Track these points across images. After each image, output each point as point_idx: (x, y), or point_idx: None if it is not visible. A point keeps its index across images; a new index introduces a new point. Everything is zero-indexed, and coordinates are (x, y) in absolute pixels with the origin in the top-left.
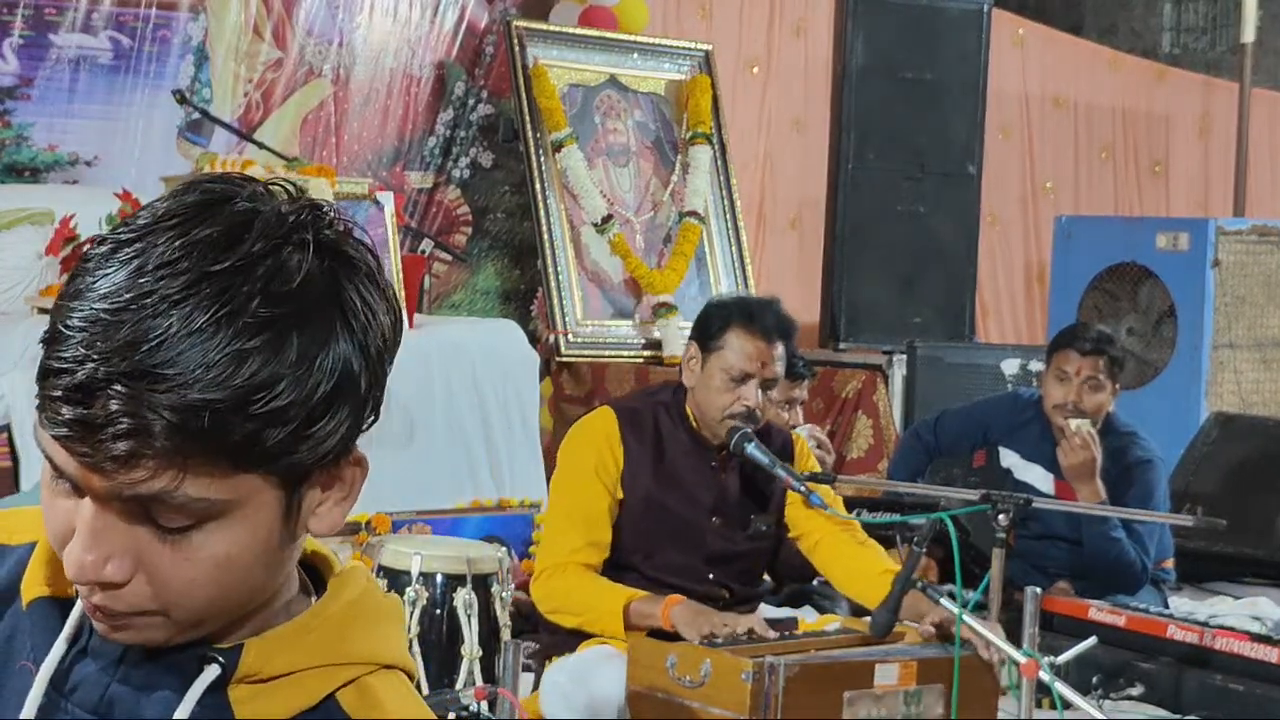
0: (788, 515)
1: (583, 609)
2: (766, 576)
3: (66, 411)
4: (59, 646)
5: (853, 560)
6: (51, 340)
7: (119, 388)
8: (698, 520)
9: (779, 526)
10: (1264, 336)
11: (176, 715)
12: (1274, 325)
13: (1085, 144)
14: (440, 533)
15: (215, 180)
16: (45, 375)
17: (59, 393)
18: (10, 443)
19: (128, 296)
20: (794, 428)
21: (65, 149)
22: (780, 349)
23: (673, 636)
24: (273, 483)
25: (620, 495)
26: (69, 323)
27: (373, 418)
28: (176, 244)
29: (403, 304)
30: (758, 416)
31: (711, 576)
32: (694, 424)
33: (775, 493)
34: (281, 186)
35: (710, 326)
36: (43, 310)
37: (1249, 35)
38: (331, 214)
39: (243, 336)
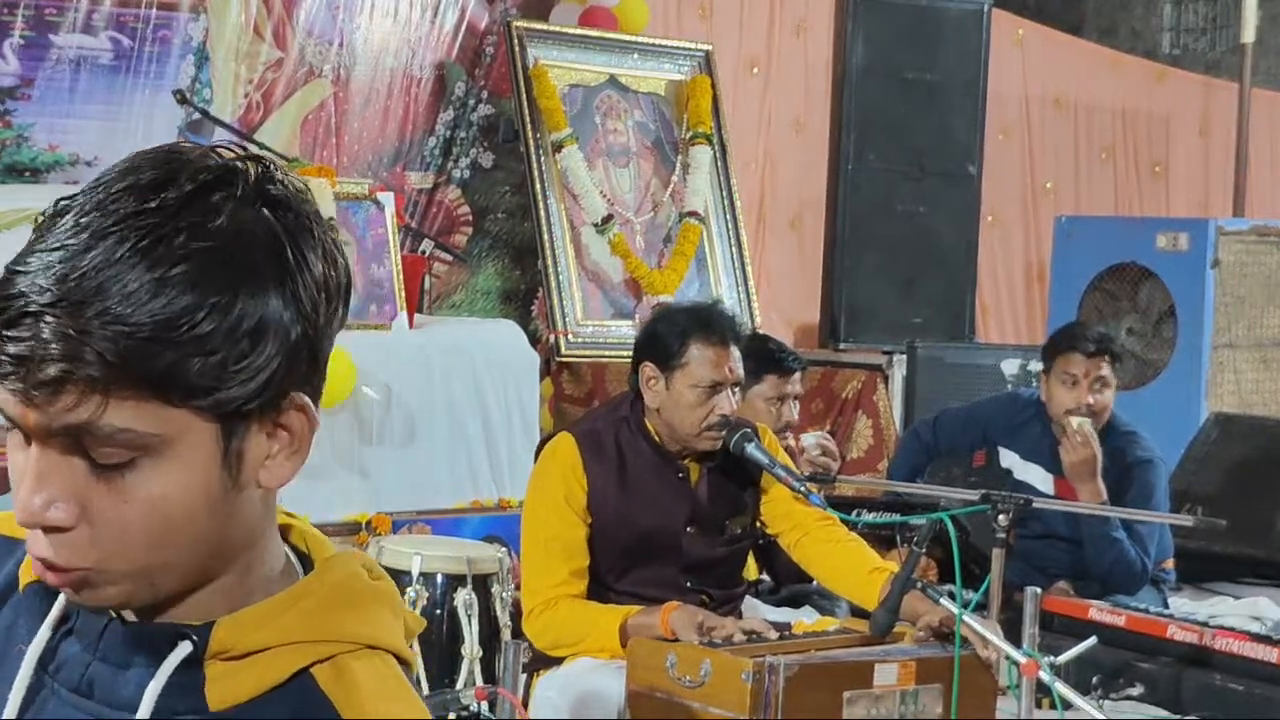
0: (765, 514)
1: (580, 637)
2: (766, 576)
3: (9, 348)
4: (45, 628)
5: (837, 557)
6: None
7: (49, 318)
8: (673, 532)
9: (754, 527)
10: (1264, 336)
11: (148, 691)
12: (1274, 325)
13: (1085, 144)
14: (440, 533)
15: (167, 146)
16: None
17: (4, 333)
18: None
19: (64, 239)
20: (786, 427)
21: (66, 149)
22: (736, 351)
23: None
24: (204, 420)
25: (590, 520)
26: (13, 271)
27: (312, 372)
28: (115, 189)
29: (403, 303)
30: (731, 422)
31: (689, 584)
32: (656, 438)
33: (748, 494)
34: (233, 150)
35: (667, 345)
36: None
37: (1249, 35)
38: (275, 171)
39: (163, 265)
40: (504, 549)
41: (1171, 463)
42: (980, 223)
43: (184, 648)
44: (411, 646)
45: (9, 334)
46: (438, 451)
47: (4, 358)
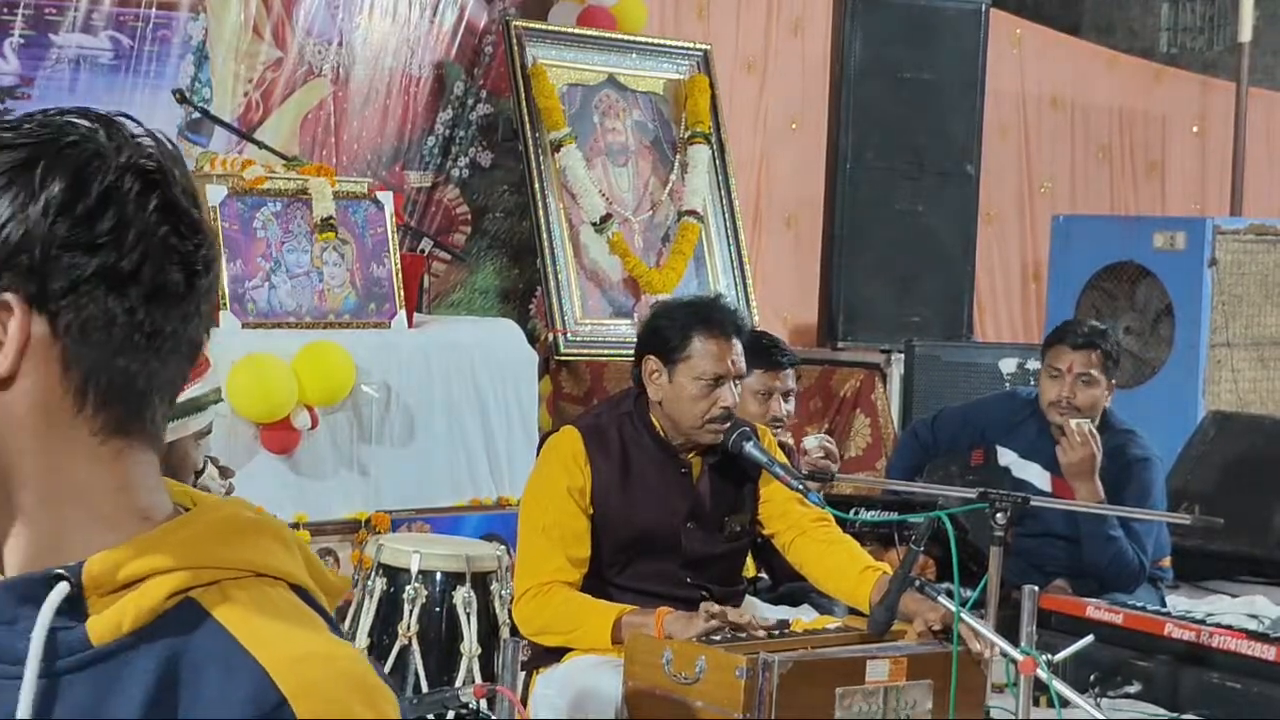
0: (761, 514)
1: (570, 627)
2: (764, 575)
3: None
4: None
5: (830, 557)
6: None
7: None
8: (673, 528)
9: (753, 525)
10: (1261, 335)
11: (33, 638)
12: (1271, 324)
13: (1083, 143)
14: (439, 531)
15: None
16: None
17: None
18: None
19: None
20: (774, 422)
21: None
22: (739, 344)
23: None
24: None
25: (592, 512)
26: None
27: (40, 290)
28: None
29: (402, 302)
30: (734, 415)
31: (690, 580)
32: (660, 432)
33: (747, 492)
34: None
35: (669, 338)
36: None
37: (1246, 35)
38: (122, 126)
39: None
40: (503, 547)
41: (1169, 461)
42: (978, 222)
43: (61, 589)
44: (345, 618)
45: None
46: (437, 450)
47: None
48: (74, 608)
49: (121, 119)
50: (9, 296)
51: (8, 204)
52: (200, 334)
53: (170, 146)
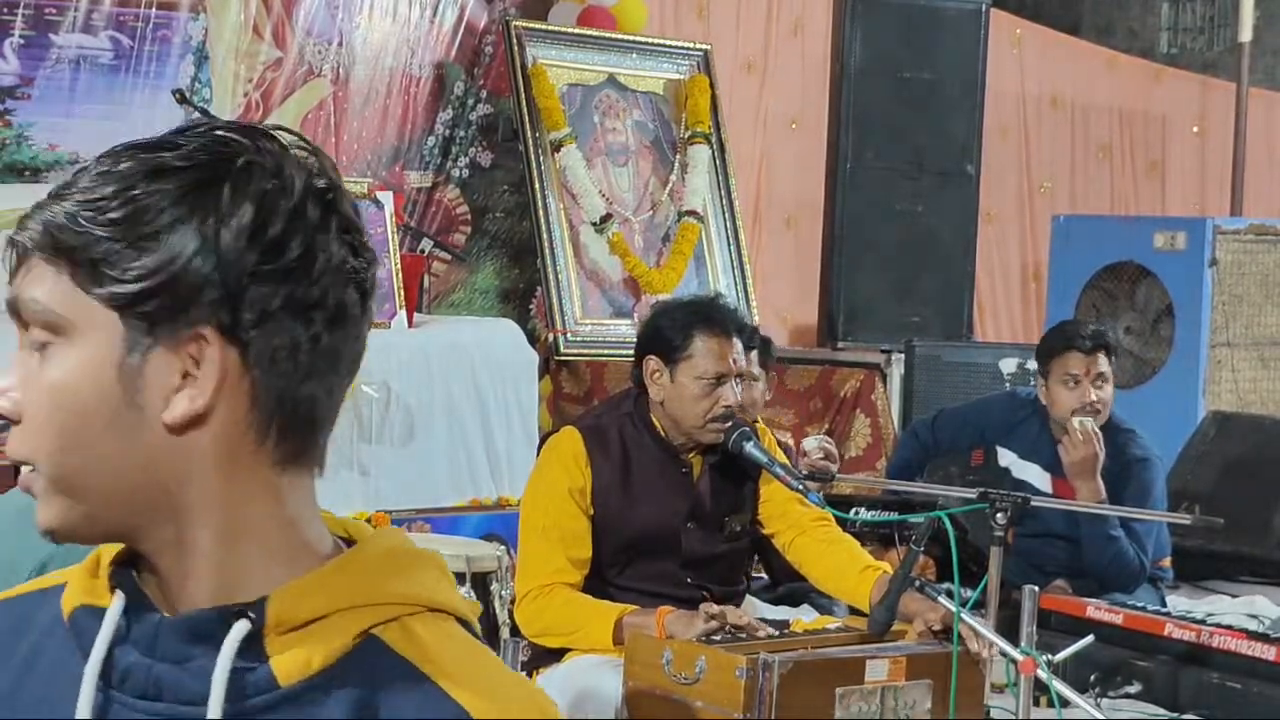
0: (761, 514)
1: (572, 628)
2: (764, 574)
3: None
4: (100, 643)
5: (830, 556)
6: None
7: (45, 206)
8: (673, 528)
9: (753, 525)
10: (1261, 335)
11: (215, 678)
12: (1271, 324)
13: (1083, 143)
14: (440, 531)
15: None
16: None
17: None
18: None
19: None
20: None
21: (65, 149)
22: (739, 343)
23: None
24: (110, 316)
25: (593, 513)
26: None
27: (233, 322)
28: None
29: (402, 302)
30: (735, 414)
31: (690, 580)
32: (661, 432)
33: (748, 492)
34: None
35: (670, 338)
36: None
37: (1246, 35)
38: (279, 140)
39: (115, 163)
40: (503, 547)
41: (1169, 461)
42: (978, 222)
43: (241, 626)
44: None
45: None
46: (437, 450)
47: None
48: (249, 646)
49: (274, 130)
50: (204, 329)
51: (193, 232)
52: (363, 351)
53: (329, 159)
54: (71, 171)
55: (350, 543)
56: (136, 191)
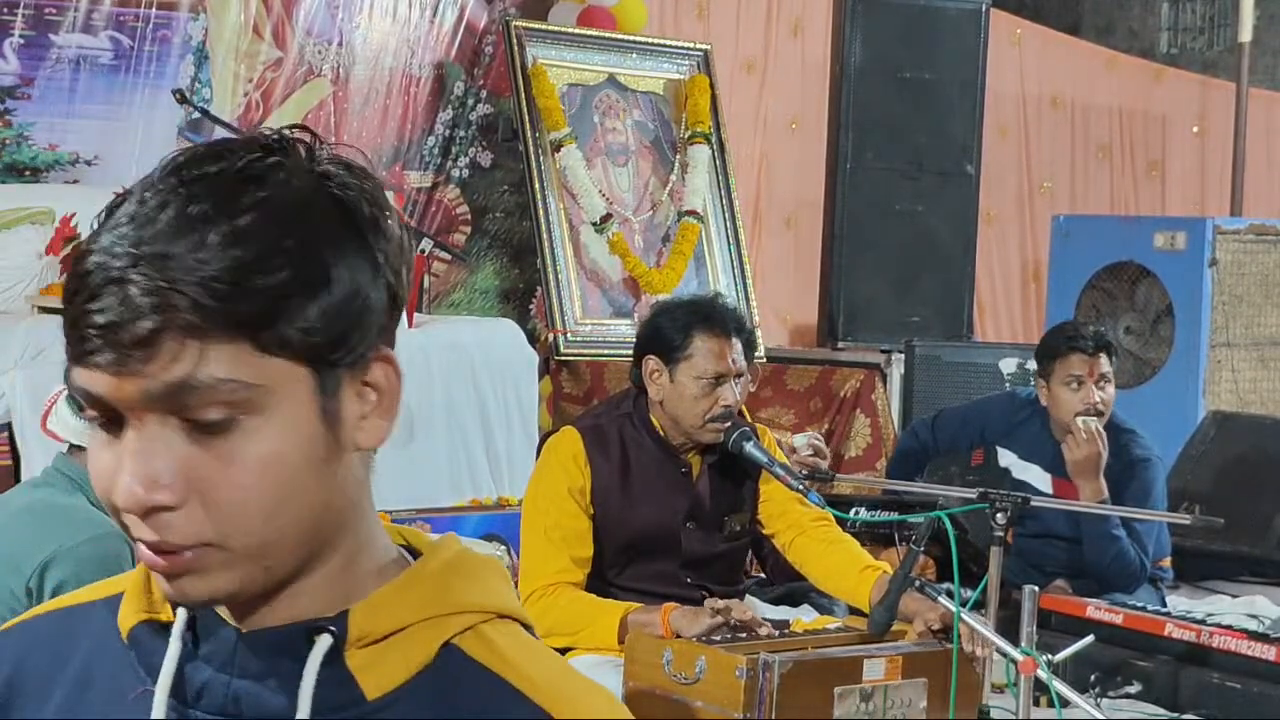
0: (761, 514)
1: (577, 627)
2: (762, 573)
3: (96, 319)
4: (169, 660)
5: (830, 556)
6: (71, 287)
7: (133, 276)
8: (673, 528)
9: (753, 525)
10: (1261, 335)
11: (302, 692)
12: (1271, 324)
13: (1083, 143)
14: (440, 531)
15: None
16: (69, 311)
17: (87, 307)
18: (11, 441)
19: (131, 213)
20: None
21: (66, 148)
22: (739, 343)
23: None
24: (298, 373)
25: (593, 513)
26: (85, 252)
27: (393, 332)
28: (170, 168)
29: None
30: (734, 414)
31: (690, 580)
32: (660, 432)
33: (747, 492)
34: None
35: (670, 338)
36: (43, 309)
37: (1246, 35)
38: (323, 147)
39: (235, 217)
40: (503, 547)
41: (1169, 461)
42: (978, 222)
43: (324, 641)
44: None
45: (93, 306)
46: (437, 450)
47: (90, 332)
48: (330, 660)
49: (294, 134)
50: (384, 349)
51: (366, 268)
52: None
53: (367, 159)
54: (107, 201)
55: (411, 550)
56: (288, 241)
